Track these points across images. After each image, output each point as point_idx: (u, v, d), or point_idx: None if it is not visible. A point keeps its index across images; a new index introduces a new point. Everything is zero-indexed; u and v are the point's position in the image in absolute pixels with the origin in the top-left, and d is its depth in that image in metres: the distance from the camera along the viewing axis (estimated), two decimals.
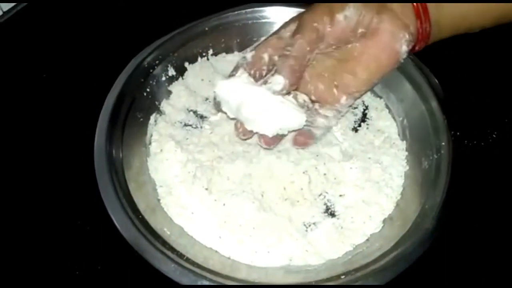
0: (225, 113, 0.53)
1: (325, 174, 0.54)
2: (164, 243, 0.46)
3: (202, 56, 0.64)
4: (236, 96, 0.50)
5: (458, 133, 0.57)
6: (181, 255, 0.46)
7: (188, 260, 0.46)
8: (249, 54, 0.52)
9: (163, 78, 0.61)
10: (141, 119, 0.57)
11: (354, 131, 0.59)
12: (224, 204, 0.51)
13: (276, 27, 0.63)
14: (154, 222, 0.48)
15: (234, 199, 0.51)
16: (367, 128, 0.59)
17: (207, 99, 0.62)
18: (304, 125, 0.51)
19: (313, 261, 0.49)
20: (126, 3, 0.73)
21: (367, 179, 0.54)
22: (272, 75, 0.50)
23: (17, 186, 0.55)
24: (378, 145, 0.57)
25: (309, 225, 0.52)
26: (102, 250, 0.50)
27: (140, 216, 0.48)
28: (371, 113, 0.61)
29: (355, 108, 0.61)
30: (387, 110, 0.61)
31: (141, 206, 0.49)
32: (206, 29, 0.62)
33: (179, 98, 0.61)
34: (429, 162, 0.52)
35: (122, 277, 0.49)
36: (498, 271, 0.50)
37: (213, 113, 0.60)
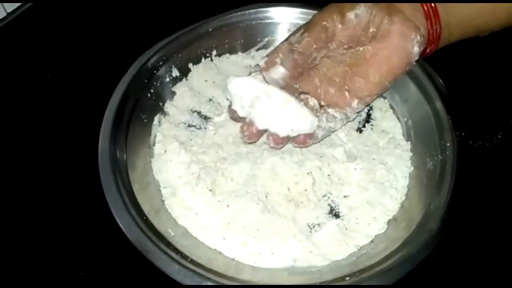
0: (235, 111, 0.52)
1: (329, 175, 0.54)
2: (168, 244, 0.46)
3: (206, 57, 0.64)
4: (251, 92, 0.50)
5: (463, 134, 0.57)
6: (185, 256, 0.46)
7: (192, 261, 0.45)
8: (262, 61, 0.52)
9: (167, 79, 0.61)
10: (145, 120, 0.57)
11: (358, 132, 0.59)
12: (228, 205, 0.51)
13: (279, 27, 0.64)
14: (158, 223, 0.48)
15: (238, 200, 0.51)
16: (372, 128, 0.59)
17: (211, 100, 0.62)
18: None
19: (317, 262, 0.49)
20: (130, 4, 0.73)
21: (371, 180, 0.54)
22: None
23: (22, 187, 0.55)
24: (382, 146, 0.57)
25: (314, 226, 0.51)
26: (106, 251, 0.50)
27: (144, 217, 0.48)
28: (375, 114, 0.61)
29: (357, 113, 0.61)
30: (391, 111, 0.60)
31: (145, 207, 0.49)
32: (210, 29, 0.62)
33: (183, 99, 0.61)
34: (434, 162, 0.52)
35: (126, 278, 0.49)
36: (503, 272, 0.50)
37: (217, 114, 0.60)
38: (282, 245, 0.49)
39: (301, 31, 0.51)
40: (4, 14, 0.70)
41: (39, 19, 0.71)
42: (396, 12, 0.49)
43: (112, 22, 0.71)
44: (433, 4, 0.50)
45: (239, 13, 0.63)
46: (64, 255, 0.50)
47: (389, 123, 0.59)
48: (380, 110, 0.61)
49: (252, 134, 0.52)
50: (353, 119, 0.57)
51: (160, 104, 0.60)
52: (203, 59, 0.63)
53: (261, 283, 0.46)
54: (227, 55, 0.65)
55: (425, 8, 0.50)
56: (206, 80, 0.63)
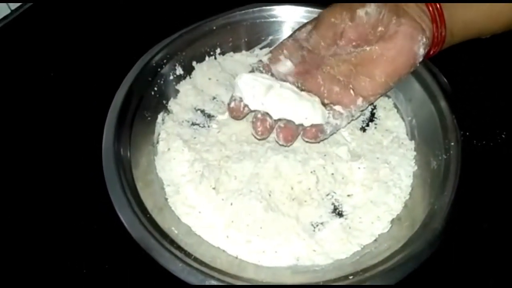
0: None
1: (332, 174, 0.54)
2: (172, 242, 0.46)
3: (209, 55, 0.64)
4: (261, 85, 0.51)
5: (467, 133, 0.57)
6: (188, 254, 0.46)
7: (195, 259, 0.45)
8: (265, 57, 0.52)
9: (171, 77, 0.61)
10: (149, 118, 0.57)
11: (362, 131, 0.59)
12: (231, 204, 0.51)
13: (284, 26, 0.64)
14: (162, 221, 0.48)
15: (242, 199, 0.51)
16: (375, 127, 0.59)
17: (214, 98, 0.62)
18: None
19: (320, 261, 0.49)
20: (134, 2, 0.73)
21: (375, 179, 0.54)
22: None
23: (25, 184, 0.55)
24: (386, 145, 0.57)
25: (317, 225, 0.51)
26: (110, 248, 0.50)
27: (148, 215, 0.48)
28: (379, 113, 0.60)
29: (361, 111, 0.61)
30: (395, 110, 0.60)
31: (149, 205, 0.49)
32: (214, 28, 0.62)
33: (187, 97, 0.61)
34: (438, 162, 0.52)
35: (129, 276, 0.49)
36: (507, 272, 0.49)
37: (220, 112, 0.60)
38: (285, 244, 0.49)
39: (309, 28, 0.51)
40: (8, 12, 0.70)
41: (42, 17, 0.71)
42: (403, 13, 0.49)
43: (116, 20, 0.72)
44: (438, 6, 0.50)
45: (243, 11, 0.63)
46: (68, 252, 0.50)
47: (393, 122, 0.59)
48: (384, 109, 0.60)
49: (265, 129, 0.52)
50: (357, 117, 0.57)
51: (164, 102, 0.60)
52: (207, 57, 0.63)
53: (264, 281, 0.45)
54: (231, 53, 0.65)
55: (431, 10, 0.50)
56: (210, 78, 0.63)
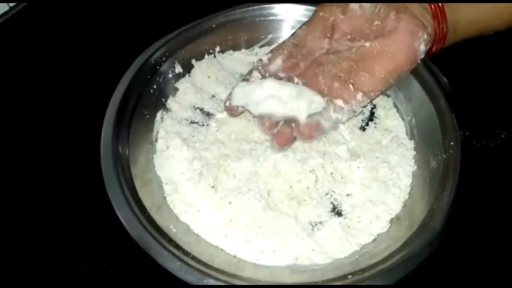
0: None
1: (332, 173, 0.54)
2: (170, 240, 0.46)
3: (209, 53, 0.63)
4: (254, 96, 0.52)
5: (466, 133, 0.57)
6: (187, 253, 0.46)
7: (194, 258, 0.45)
8: (265, 57, 0.52)
9: (170, 75, 0.60)
10: (148, 116, 0.57)
11: (361, 130, 0.59)
12: (230, 202, 0.51)
13: (283, 24, 0.64)
14: (160, 219, 0.48)
15: (240, 198, 0.51)
16: (375, 127, 0.59)
17: (213, 96, 0.62)
18: (315, 114, 0.52)
19: (319, 260, 0.48)
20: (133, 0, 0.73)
21: (374, 179, 0.54)
22: None
23: (23, 183, 0.55)
24: (385, 144, 0.57)
25: (316, 224, 0.51)
26: (108, 247, 0.50)
27: (146, 214, 0.48)
28: (379, 112, 0.60)
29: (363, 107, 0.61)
30: (395, 109, 0.60)
31: (147, 203, 0.49)
32: (213, 26, 0.62)
33: (186, 95, 0.61)
34: (437, 161, 0.52)
35: (127, 274, 0.49)
36: (506, 272, 0.49)
37: (219, 110, 0.60)
38: (284, 243, 0.49)
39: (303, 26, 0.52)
40: (7, 8, 0.70)
41: (41, 15, 0.71)
42: (403, 9, 0.49)
43: (115, 17, 0.71)
44: (440, 4, 0.50)
45: (243, 9, 0.63)
46: (66, 251, 0.50)
47: (392, 122, 0.59)
48: (383, 109, 0.60)
49: (272, 124, 0.54)
50: (358, 114, 0.57)
51: (163, 100, 0.59)
52: (206, 56, 0.63)
53: (262, 280, 0.45)
54: (231, 51, 0.65)
55: (433, 7, 0.50)
56: (209, 77, 0.62)
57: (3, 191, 0.54)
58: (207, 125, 0.59)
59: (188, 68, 0.62)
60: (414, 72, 0.56)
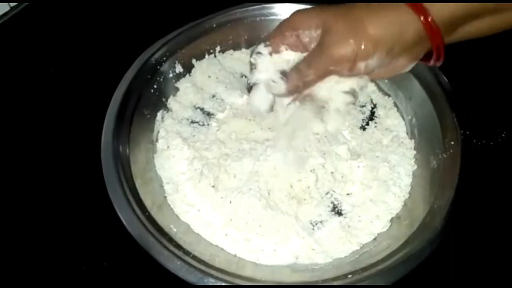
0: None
1: (332, 172, 0.54)
2: (171, 240, 0.46)
3: (209, 53, 0.63)
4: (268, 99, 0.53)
5: (467, 132, 0.57)
6: (187, 252, 0.46)
7: (194, 257, 0.45)
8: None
9: (170, 75, 0.60)
10: (148, 116, 0.57)
11: (362, 130, 0.59)
12: (230, 202, 0.51)
13: None
14: (161, 219, 0.48)
15: (241, 197, 0.51)
16: (375, 126, 0.59)
17: (214, 96, 0.62)
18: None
19: (319, 259, 0.49)
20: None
21: (374, 178, 0.54)
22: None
23: (24, 182, 0.55)
24: (386, 144, 0.57)
25: (316, 224, 0.51)
26: (108, 246, 0.50)
27: (147, 213, 0.48)
28: (379, 112, 0.60)
29: (363, 106, 0.61)
30: (395, 109, 0.60)
31: (148, 203, 0.49)
32: (214, 25, 0.62)
33: (186, 95, 0.61)
34: (437, 161, 0.52)
35: (128, 273, 0.49)
36: (506, 271, 0.49)
37: (220, 110, 0.60)
38: (284, 242, 0.49)
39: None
40: (8, 9, 0.70)
41: (41, 14, 0.71)
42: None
43: (116, 17, 0.71)
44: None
45: (243, 9, 0.63)
46: (67, 250, 0.50)
47: (393, 121, 0.59)
48: (384, 108, 0.60)
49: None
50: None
51: (163, 100, 0.60)
52: (206, 55, 0.63)
53: (263, 279, 0.45)
54: (231, 51, 0.65)
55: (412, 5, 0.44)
56: (209, 76, 0.63)
57: (3, 190, 0.54)
58: (208, 124, 0.59)
59: (188, 68, 0.62)
60: (415, 71, 0.56)
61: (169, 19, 0.65)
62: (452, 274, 0.49)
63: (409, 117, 0.58)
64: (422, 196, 0.51)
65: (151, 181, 0.53)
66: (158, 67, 0.59)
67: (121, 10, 0.72)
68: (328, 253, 0.49)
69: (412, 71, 0.55)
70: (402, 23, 0.44)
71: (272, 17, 0.64)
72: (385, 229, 0.51)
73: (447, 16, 0.44)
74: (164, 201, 0.52)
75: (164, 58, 0.59)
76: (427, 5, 0.43)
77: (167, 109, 0.60)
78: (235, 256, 0.49)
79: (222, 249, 0.49)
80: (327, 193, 0.53)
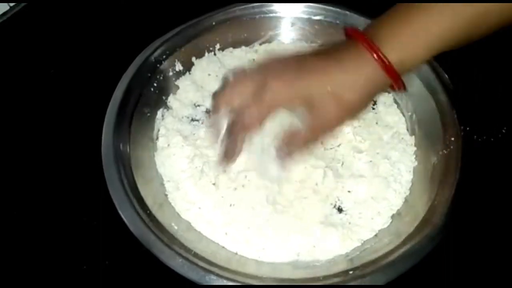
0: None
1: (333, 169, 0.54)
2: (172, 238, 0.46)
3: (209, 51, 0.63)
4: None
5: (467, 128, 0.57)
6: (188, 250, 0.46)
7: (195, 255, 0.45)
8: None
9: (170, 73, 0.60)
10: (148, 114, 0.57)
11: (362, 126, 0.58)
12: (231, 201, 0.51)
13: (283, 21, 0.64)
14: (162, 217, 0.48)
15: (242, 195, 0.51)
16: (376, 123, 0.59)
17: (214, 94, 0.61)
18: None
19: (321, 256, 0.49)
20: None
21: (375, 175, 0.54)
22: None
23: (24, 182, 0.55)
24: (386, 140, 0.57)
25: (317, 221, 0.51)
26: (110, 245, 0.50)
27: (148, 211, 0.48)
28: (379, 108, 0.60)
29: None
30: (395, 105, 0.60)
31: (149, 201, 0.49)
32: (213, 23, 0.62)
33: (186, 93, 0.61)
34: (438, 157, 0.52)
35: (129, 272, 0.49)
36: (507, 268, 0.49)
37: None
38: (286, 240, 0.49)
39: None
40: (7, 8, 0.70)
41: (41, 14, 0.71)
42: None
43: (116, 16, 0.71)
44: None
45: (243, 6, 0.63)
46: (68, 249, 0.50)
47: (393, 118, 0.59)
48: (384, 105, 0.60)
49: None
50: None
51: (163, 98, 0.60)
52: (206, 53, 0.63)
53: (264, 276, 0.45)
54: (231, 49, 0.65)
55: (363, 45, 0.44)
56: (209, 74, 0.62)
57: (4, 189, 0.54)
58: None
59: (188, 66, 0.62)
60: None
61: (169, 17, 0.65)
62: (453, 270, 0.49)
63: (410, 114, 0.58)
64: (422, 192, 0.51)
65: (152, 179, 0.53)
66: (158, 65, 0.59)
67: (121, 8, 0.72)
68: (329, 250, 0.49)
69: None
70: (378, 83, 0.45)
71: (271, 15, 0.64)
72: (386, 226, 0.51)
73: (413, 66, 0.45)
74: (165, 199, 0.52)
75: (164, 57, 0.59)
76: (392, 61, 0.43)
77: (167, 107, 0.59)
78: (236, 254, 0.49)
79: (223, 247, 0.49)
80: (328, 190, 0.53)
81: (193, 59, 0.62)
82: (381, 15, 0.46)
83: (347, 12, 0.62)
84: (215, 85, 0.62)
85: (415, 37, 0.43)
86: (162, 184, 0.53)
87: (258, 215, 0.50)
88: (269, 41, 0.65)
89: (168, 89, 0.60)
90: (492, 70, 0.64)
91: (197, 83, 0.62)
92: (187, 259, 0.44)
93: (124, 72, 0.57)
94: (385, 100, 0.61)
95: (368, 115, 0.59)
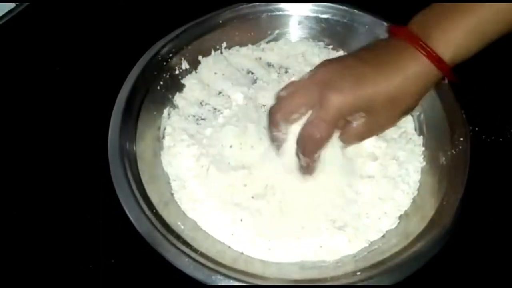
0: None
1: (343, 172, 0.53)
2: (178, 237, 0.46)
3: (215, 49, 0.63)
4: None
5: (476, 128, 0.56)
6: (194, 250, 0.46)
7: (202, 254, 0.45)
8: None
9: (177, 72, 0.60)
10: (155, 113, 0.57)
11: None
12: (237, 199, 0.51)
13: (290, 20, 0.63)
14: (168, 216, 0.48)
15: (248, 195, 0.51)
16: None
17: (220, 92, 0.61)
18: None
19: (328, 257, 0.48)
20: None
21: (383, 175, 0.53)
22: None
23: (30, 180, 0.55)
24: (394, 141, 0.56)
25: (324, 221, 0.51)
26: (116, 244, 0.50)
27: (154, 210, 0.47)
28: None
29: None
30: None
31: (155, 199, 0.49)
32: (220, 22, 0.62)
33: (193, 91, 0.61)
34: (446, 157, 0.51)
35: (135, 271, 0.49)
36: None
37: (226, 107, 0.60)
38: (293, 240, 0.49)
39: None
40: (13, 5, 0.70)
41: (47, 11, 0.71)
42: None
43: (122, 14, 0.71)
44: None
45: (250, 5, 0.63)
46: (74, 248, 0.50)
47: None
48: None
49: None
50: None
51: (170, 96, 0.59)
52: (213, 52, 0.63)
53: (271, 277, 0.45)
54: (237, 47, 0.64)
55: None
56: (215, 73, 0.62)
57: (10, 187, 0.54)
58: (214, 121, 0.59)
59: (194, 65, 0.62)
60: None
61: (175, 15, 0.65)
62: (462, 271, 0.48)
63: (417, 113, 0.58)
64: (431, 192, 0.51)
65: (158, 178, 0.53)
66: (164, 63, 0.58)
67: (127, 7, 0.72)
68: (336, 250, 0.49)
69: None
70: (430, 81, 0.46)
71: (278, 13, 0.63)
72: (393, 226, 0.50)
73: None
74: (171, 198, 0.52)
75: (170, 55, 0.59)
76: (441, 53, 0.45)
77: (173, 105, 0.59)
78: (242, 253, 0.49)
79: (229, 246, 0.49)
80: (335, 191, 0.52)
81: (200, 57, 0.62)
82: (420, 13, 0.47)
83: (355, 10, 0.62)
84: (221, 84, 0.61)
85: (467, 33, 0.45)
86: (168, 183, 0.53)
87: (264, 215, 0.50)
88: (276, 39, 0.65)
89: (174, 87, 0.60)
90: (501, 70, 0.64)
91: (204, 81, 0.62)
92: (193, 258, 0.44)
93: (130, 71, 0.57)
94: None
95: None
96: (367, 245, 0.49)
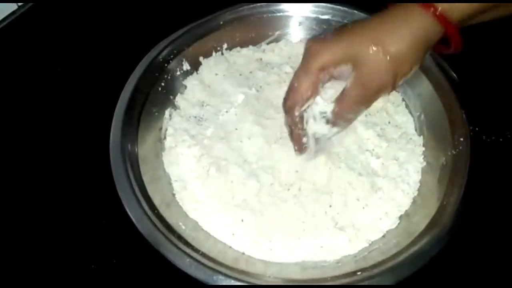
0: None
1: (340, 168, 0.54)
2: (180, 237, 0.46)
3: (216, 51, 0.63)
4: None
5: (476, 129, 0.57)
6: (196, 250, 0.46)
7: (203, 254, 0.46)
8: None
9: (178, 73, 0.60)
10: (156, 114, 0.57)
11: (370, 128, 0.58)
12: (238, 199, 0.51)
13: (291, 21, 0.63)
14: (169, 216, 0.48)
15: (249, 196, 0.51)
16: (388, 122, 0.58)
17: (221, 93, 0.61)
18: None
19: (328, 257, 0.48)
20: None
21: (384, 175, 0.53)
22: None
23: (32, 181, 0.55)
24: (395, 141, 0.56)
25: (325, 221, 0.51)
26: (117, 244, 0.50)
27: (156, 211, 0.48)
28: (388, 108, 0.60)
29: None
30: (404, 105, 0.60)
31: (157, 200, 0.49)
32: (221, 23, 0.62)
33: (194, 92, 0.61)
34: (446, 157, 0.52)
35: (137, 271, 0.49)
36: None
37: (227, 107, 0.60)
38: (293, 240, 0.49)
39: None
40: (15, 7, 0.70)
41: (49, 13, 0.71)
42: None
43: (123, 15, 0.71)
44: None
45: (251, 6, 0.63)
46: (76, 248, 0.50)
47: (401, 118, 0.59)
48: (392, 104, 0.60)
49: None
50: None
51: (171, 97, 0.60)
52: (214, 53, 0.63)
53: (272, 276, 0.45)
54: (238, 48, 0.64)
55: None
56: (216, 74, 0.62)
57: (12, 188, 0.55)
58: (215, 122, 0.59)
59: (196, 66, 0.62)
60: (423, 67, 0.55)
61: (177, 17, 0.65)
62: (462, 271, 0.48)
63: (418, 114, 0.58)
64: (431, 193, 0.51)
65: (160, 178, 0.53)
66: (166, 65, 0.59)
67: (129, 8, 0.72)
68: (337, 251, 0.49)
69: (420, 67, 0.55)
70: (426, 29, 0.43)
71: (278, 14, 0.63)
72: (394, 226, 0.50)
73: (459, 17, 0.44)
74: (172, 199, 0.52)
75: (172, 56, 0.59)
76: (440, 7, 0.43)
77: (174, 107, 0.60)
78: (243, 254, 0.49)
79: (230, 247, 0.50)
80: (336, 190, 0.53)
81: (201, 58, 0.62)
82: None
83: (355, 11, 0.62)
84: (222, 85, 0.62)
85: None
86: (170, 184, 0.53)
87: (265, 215, 0.50)
88: (276, 40, 0.65)
89: (175, 88, 0.60)
90: (501, 70, 0.64)
91: (205, 82, 0.62)
92: (194, 258, 0.44)
93: (132, 72, 0.57)
94: (394, 100, 0.60)
95: (382, 114, 0.59)
96: (367, 245, 0.49)
